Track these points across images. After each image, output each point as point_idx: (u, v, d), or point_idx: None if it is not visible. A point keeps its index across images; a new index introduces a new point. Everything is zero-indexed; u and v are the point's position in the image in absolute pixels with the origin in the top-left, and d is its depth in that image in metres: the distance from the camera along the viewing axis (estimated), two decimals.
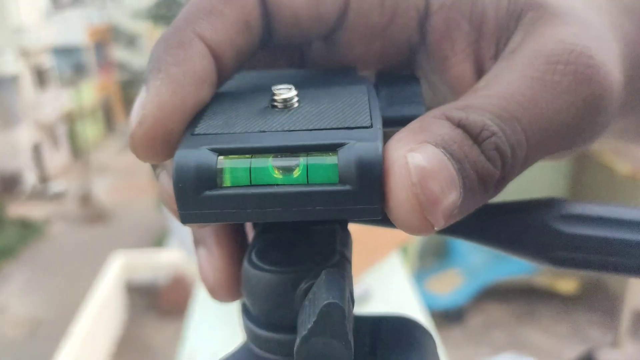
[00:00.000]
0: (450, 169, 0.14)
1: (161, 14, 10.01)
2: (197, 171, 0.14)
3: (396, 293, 0.91)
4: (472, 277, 2.05)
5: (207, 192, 0.14)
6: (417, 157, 0.14)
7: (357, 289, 0.89)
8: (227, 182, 0.14)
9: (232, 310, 0.91)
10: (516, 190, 0.20)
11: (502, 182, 0.15)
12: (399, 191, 0.13)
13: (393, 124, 0.18)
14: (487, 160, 0.15)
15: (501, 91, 0.15)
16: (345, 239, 0.18)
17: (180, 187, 0.14)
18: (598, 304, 2.05)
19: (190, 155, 0.14)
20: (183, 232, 1.04)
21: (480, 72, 0.19)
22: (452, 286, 2.04)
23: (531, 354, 1.75)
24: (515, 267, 2.04)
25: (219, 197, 0.14)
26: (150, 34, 11.66)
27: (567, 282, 2.05)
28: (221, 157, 0.14)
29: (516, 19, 0.17)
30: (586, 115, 0.16)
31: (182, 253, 2.63)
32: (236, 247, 0.18)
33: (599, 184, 2.00)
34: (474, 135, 0.14)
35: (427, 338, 0.19)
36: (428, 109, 0.19)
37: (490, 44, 0.18)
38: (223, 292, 0.18)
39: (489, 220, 0.19)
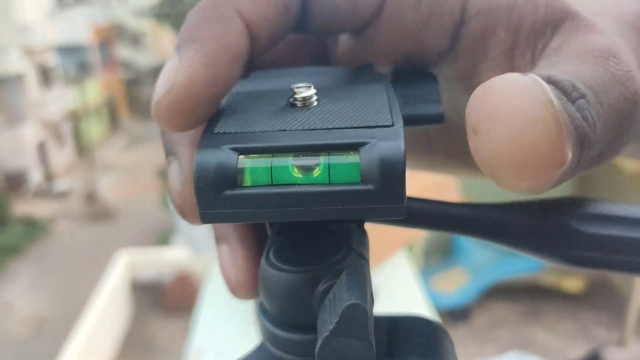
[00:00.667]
0: (561, 112, 0.12)
1: (165, 13, 10.02)
2: (217, 171, 0.13)
3: (403, 291, 0.90)
4: (478, 276, 2.05)
5: (228, 192, 0.14)
6: (530, 88, 0.12)
7: None
8: (248, 181, 0.14)
9: (240, 308, 0.91)
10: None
11: (596, 143, 0.14)
12: (503, 133, 0.11)
13: (410, 122, 0.17)
14: (583, 119, 0.13)
15: (572, 68, 0.15)
16: (362, 239, 0.18)
17: (200, 187, 0.14)
18: (604, 303, 2.05)
19: (211, 155, 0.14)
20: (189, 230, 1.04)
21: None
22: (457, 285, 2.04)
23: (536, 353, 1.75)
24: (520, 266, 2.04)
25: (240, 196, 0.14)
26: (154, 32, 11.68)
27: (572, 281, 2.05)
28: (242, 157, 0.14)
29: (553, 27, 0.17)
30: (632, 112, 0.15)
31: (187, 251, 2.63)
32: (258, 244, 0.18)
33: (605, 183, 1.99)
34: (567, 92, 0.13)
35: (444, 338, 0.19)
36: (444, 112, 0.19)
37: (525, 51, 0.18)
38: (245, 290, 0.18)
39: (507, 219, 0.19)
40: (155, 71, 11.34)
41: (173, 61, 0.15)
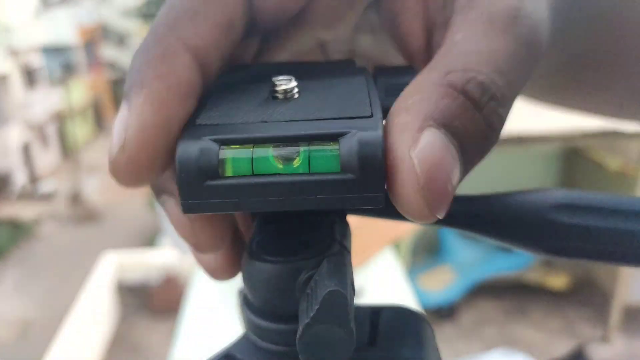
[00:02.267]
0: (453, 154, 0.14)
1: (152, 13, 9.96)
2: (199, 161, 0.14)
3: (390, 289, 0.91)
4: (464, 274, 2.06)
5: (209, 182, 0.14)
6: (422, 152, 0.14)
7: None
8: (229, 172, 0.14)
9: (225, 310, 0.91)
10: (506, 187, 0.21)
11: (496, 141, 0.16)
12: (407, 191, 0.14)
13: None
14: (488, 126, 0.15)
15: (481, 48, 0.16)
16: (345, 230, 0.18)
17: (182, 177, 0.14)
18: (588, 299, 2.07)
19: (193, 146, 0.14)
20: (174, 231, 1.03)
21: (429, 29, 0.19)
22: (443, 283, 2.05)
23: (522, 350, 1.76)
24: (506, 264, 2.05)
25: (221, 186, 0.14)
26: (140, 33, 11.61)
27: (557, 278, 2.06)
28: (223, 147, 0.14)
29: None
30: (534, 65, 0.17)
31: (174, 253, 2.62)
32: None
33: (589, 180, 2.02)
34: (476, 101, 0.15)
35: (426, 327, 0.19)
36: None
37: (438, 1, 0.18)
38: (223, 271, 0.18)
39: (485, 211, 0.19)
40: None
41: (123, 112, 0.14)
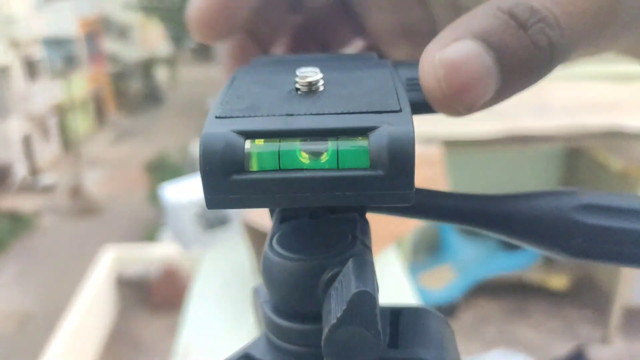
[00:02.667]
0: (484, 58, 0.15)
1: (153, 6, 9.95)
2: (224, 155, 0.13)
3: (393, 287, 0.91)
4: (464, 273, 2.06)
5: (235, 176, 0.13)
6: (446, 53, 0.15)
7: None
8: (255, 166, 0.13)
9: (228, 307, 0.91)
10: (509, 186, 0.20)
11: (548, 65, 0.16)
12: (428, 85, 0.15)
13: (415, 109, 0.17)
14: (533, 45, 0.15)
15: None
16: (365, 227, 0.18)
17: (207, 171, 0.13)
18: (588, 300, 2.07)
19: (218, 139, 0.13)
20: (177, 226, 1.03)
21: None
22: (444, 282, 2.05)
23: (522, 350, 1.76)
24: (506, 264, 2.05)
25: (247, 181, 0.13)
26: (142, 25, 11.59)
27: (558, 279, 2.06)
28: (249, 141, 0.13)
29: None
30: (611, 6, 0.17)
31: (174, 247, 2.61)
32: None
33: (591, 181, 2.01)
34: (523, 21, 0.15)
35: (446, 328, 0.19)
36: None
37: None
38: (207, 23, 0.18)
39: (506, 210, 0.18)
40: (143, 65, 11.26)
41: None
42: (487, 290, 2.10)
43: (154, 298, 3.40)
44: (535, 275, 2.08)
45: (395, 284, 0.92)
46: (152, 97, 10.82)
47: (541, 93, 1.76)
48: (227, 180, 0.13)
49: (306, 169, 0.13)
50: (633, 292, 1.91)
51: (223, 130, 0.13)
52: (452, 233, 2.06)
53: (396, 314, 0.18)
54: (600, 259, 0.19)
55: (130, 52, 11.15)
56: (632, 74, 1.89)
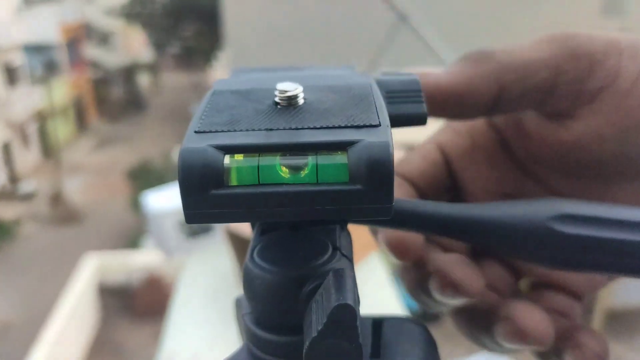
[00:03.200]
0: None
1: (135, 12, 9.88)
2: (203, 170, 0.13)
3: (377, 293, 0.91)
4: None
5: (214, 191, 0.13)
6: None
7: None
8: (234, 181, 0.13)
9: (211, 312, 0.90)
10: None
11: None
12: None
13: (395, 122, 0.17)
14: None
15: None
16: (346, 239, 0.18)
17: (186, 186, 0.13)
18: None
19: (196, 153, 0.13)
20: (160, 233, 1.02)
21: None
22: None
23: (506, 354, 1.77)
24: None
25: (226, 196, 0.13)
26: (124, 31, 11.50)
27: None
28: (228, 156, 0.13)
29: None
30: None
31: (157, 254, 2.59)
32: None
33: None
34: None
35: (428, 339, 0.19)
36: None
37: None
38: (404, 252, 0.20)
39: (484, 220, 0.19)
40: (125, 71, 11.18)
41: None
42: None
43: (137, 306, 3.37)
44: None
45: (379, 290, 0.92)
46: (134, 104, 10.74)
47: None
48: (207, 195, 0.13)
49: (285, 184, 0.13)
50: (614, 295, 1.93)
51: (202, 145, 0.13)
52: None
53: (378, 325, 0.18)
54: (579, 268, 0.19)
55: (112, 59, 11.06)
56: None
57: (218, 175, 0.13)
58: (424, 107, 0.18)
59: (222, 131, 0.14)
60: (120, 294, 3.48)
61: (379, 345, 0.17)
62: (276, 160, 0.13)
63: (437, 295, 0.20)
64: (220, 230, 1.00)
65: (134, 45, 11.72)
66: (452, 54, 1.90)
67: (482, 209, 0.19)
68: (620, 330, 1.96)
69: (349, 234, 0.18)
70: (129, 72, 11.19)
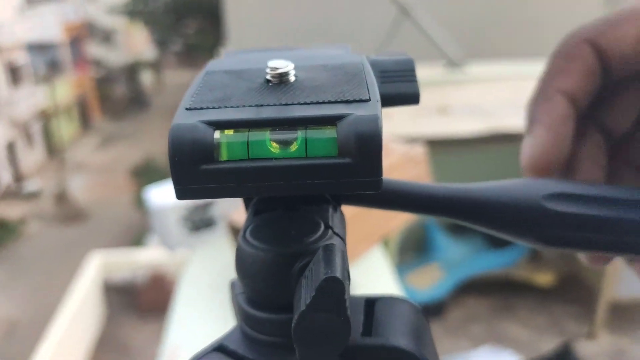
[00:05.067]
0: None
1: (137, 10, 9.89)
2: (193, 145, 0.13)
3: (379, 286, 0.91)
4: (452, 272, 2.07)
5: (204, 166, 0.13)
6: None
7: None
8: (224, 156, 0.13)
9: (215, 309, 0.91)
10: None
11: None
12: None
13: (388, 101, 0.18)
14: None
15: None
16: (339, 219, 0.18)
17: (176, 161, 0.13)
18: (574, 296, 2.08)
19: (187, 130, 0.13)
20: (162, 228, 1.03)
21: None
22: (432, 281, 2.06)
23: (509, 346, 1.77)
24: (493, 261, 2.07)
25: (216, 171, 0.13)
26: (126, 30, 11.51)
27: (544, 275, 2.08)
28: (218, 131, 0.14)
29: None
30: None
31: (161, 252, 2.60)
32: (566, 127, 0.22)
33: None
34: None
35: (420, 317, 0.19)
36: None
37: None
38: (542, 163, 0.21)
39: (477, 199, 0.19)
40: (128, 69, 11.19)
41: (527, 139, 0.22)
42: (474, 288, 2.11)
43: (142, 303, 3.38)
44: (522, 272, 2.09)
45: (381, 283, 0.92)
46: (137, 102, 10.75)
47: (524, 91, 1.78)
48: (197, 170, 0.13)
49: (275, 158, 0.13)
50: (618, 287, 1.93)
51: (192, 121, 0.14)
52: (438, 232, 2.07)
53: (371, 303, 0.19)
54: (570, 246, 0.19)
55: (114, 57, 11.07)
56: None
57: (208, 151, 0.13)
58: (416, 87, 0.18)
59: (213, 108, 0.14)
60: (125, 292, 3.49)
61: (371, 323, 0.18)
62: (266, 135, 0.14)
63: None
64: (223, 224, 1.01)
65: (136, 43, 11.73)
66: (454, 48, 1.90)
67: (474, 188, 0.19)
68: (624, 322, 1.95)
69: (342, 214, 0.19)
70: (131, 70, 11.20)
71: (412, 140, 1.29)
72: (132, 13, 9.90)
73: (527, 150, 0.22)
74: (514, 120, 1.64)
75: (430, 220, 1.96)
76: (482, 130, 1.58)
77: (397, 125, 1.57)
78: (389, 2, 1.92)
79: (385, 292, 0.19)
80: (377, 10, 2.12)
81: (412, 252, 2.13)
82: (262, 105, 0.14)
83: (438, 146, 1.47)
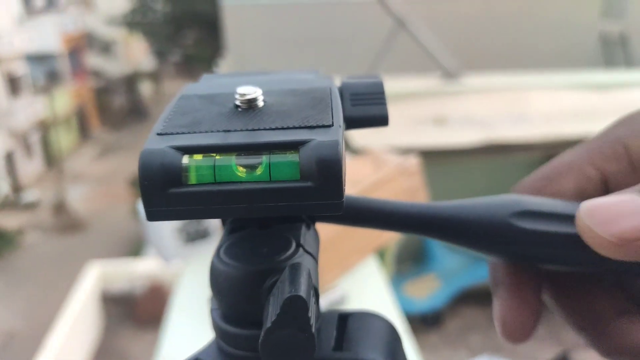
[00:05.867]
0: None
1: (136, 21, 9.93)
2: (162, 169, 0.14)
3: (372, 297, 0.91)
4: (449, 281, 2.07)
5: (173, 190, 0.14)
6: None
7: (334, 293, 0.89)
8: (192, 179, 0.14)
9: (208, 320, 0.91)
10: (488, 195, 0.21)
11: None
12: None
13: (357, 123, 0.18)
14: None
15: None
16: (312, 237, 0.18)
17: (145, 185, 0.14)
18: None
19: (156, 154, 0.14)
20: (158, 239, 1.03)
21: None
22: (429, 290, 2.06)
23: (507, 356, 1.77)
24: None
25: (184, 194, 0.14)
26: (125, 40, 11.55)
27: None
28: (186, 156, 0.14)
29: None
30: None
31: (158, 262, 2.60)
32: (531, 291, 0.20)
33: None
34: None
35: (392, 331, 0.19)
36: None
37: None
38: (517, 332, 0.20)
39: (449, 218, 0.19)
40: (127, 79, 11.22)
41: (494, 302, 0.21)
42: (471, 298, 2.11)
43: (140, 314, 3.38)
44: None
45: (375, 293, 0.93)
46: (136, 112, 10.77)
47: (520, 102, 1.79)
48: (166, 194, 0.14)
49: (241, 182, 0.14)
50: None
51: (161, 146, 0.14)
52: (436, 244, 2.07)
53: (344, 318, 0.19)
54: (536, 262, 0.20)
55: (113, 67, 11.11)
56: (609, 82, 1.93)
57: (176, 175, 0.14)
58: (384, 109, 0.19)
59: (183, 133, 0.15)
60: (123, 302, 3.49)
61: (342, 338, 0.18)
62: (232, 160, 0.14)
63: None
64: (217, 235, 1.01)
65: (135, 53, 11.77)
66: (450, 59, 1.91)
67: (445, 206, 0.20)
68: None
69: (316, 233, 0.19)
70: (130, 81, 11.23)
71: (407, 151, 1.30)
72: (131, 24, 9.94)
73: (495, 314, 0.20)
74: (510, 131, 1.65)
75: None
76: (478, 140, 1.59)
77: (393, 136, 1.58)
78: (386, 13, 1.93)
79: (373, 309, 0.20)
80: (373, 22, 2.13)
81: (409, 262, 2.13)
82: (229, 131, 0.15)
83: (434, 157, 1.48)
